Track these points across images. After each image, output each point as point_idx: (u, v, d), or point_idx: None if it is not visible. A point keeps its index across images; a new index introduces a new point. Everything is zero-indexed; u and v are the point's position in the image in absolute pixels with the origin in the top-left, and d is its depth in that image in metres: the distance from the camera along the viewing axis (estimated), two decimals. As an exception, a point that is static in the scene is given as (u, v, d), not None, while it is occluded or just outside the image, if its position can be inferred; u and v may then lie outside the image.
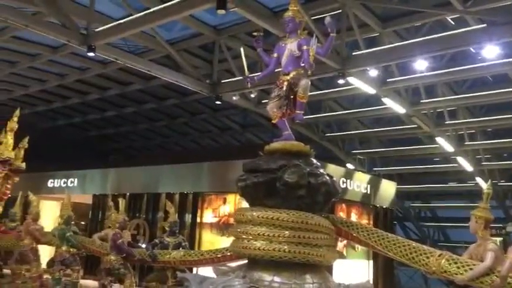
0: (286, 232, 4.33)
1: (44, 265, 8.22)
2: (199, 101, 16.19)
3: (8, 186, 9.34)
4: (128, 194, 14.03)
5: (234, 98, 13.10)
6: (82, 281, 7.71)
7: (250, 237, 4.46)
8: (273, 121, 5.09)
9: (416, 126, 14.84)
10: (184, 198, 13.21)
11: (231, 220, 12.31)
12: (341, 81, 10.92)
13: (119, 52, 11.33)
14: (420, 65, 11.35)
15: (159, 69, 12.08)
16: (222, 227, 12.62)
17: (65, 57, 13.15)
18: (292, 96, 4.97)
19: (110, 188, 14.79)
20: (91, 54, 10.35)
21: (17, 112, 9.24)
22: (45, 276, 7.95)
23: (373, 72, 11.56)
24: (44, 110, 18.25)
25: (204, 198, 13.25)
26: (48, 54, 12.90)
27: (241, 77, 11.94)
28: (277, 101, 4.98)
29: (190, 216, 13.05)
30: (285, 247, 4.29)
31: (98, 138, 21.61)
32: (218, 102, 13.31)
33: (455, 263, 4.17)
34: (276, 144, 4.88)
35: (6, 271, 8.71)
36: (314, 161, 4.86)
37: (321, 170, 4.74)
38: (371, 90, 12.08)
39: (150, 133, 21.13)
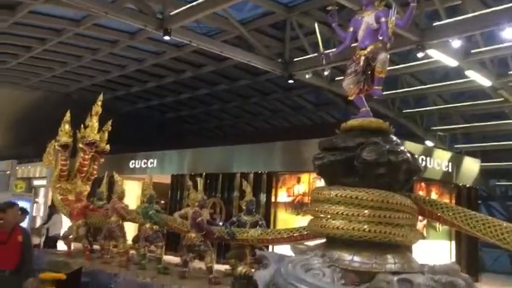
0: (366, 211, 4.22)
1: (129, 241, 8.65)
2: (271, 81, 16.17)
3: (95, 167, 9.92)
4: (204, 173, 14.42)
5: (307, 76, 12.92)
6: (165, 257, 8.01)
7: (329, 216, 4.40)
8: (349, 98, 4.95)
9: (502, 99, 13.88)
10: (258, 178, 13.33)
11: (306, 199, 12.29)
12: (419, 55, 10.41)
13: (193, 35, 11.54)
14: (508, 33, 10.51)
15: (231, 50, 12.18)
16: (297, 206, 12.62)
17: (142, 43, 13.62)
18: (369, 72, 4.79)
19: (187, 168, 15.25)
20: (167, 37, 10.62)
21: (100, 97, 9.71)
22: (131, 251, 8.36)
23: (456, 43, 10.87)
24: (124, 94, 19.11)
25: (278, 177, 13.29)
26: (126, 40, 13.44)
27: (314, 55, 11.75)
28: (353, 77, 4.83)
29: (265, 195, 13.17)
30: (365, 226, 4.19)
31: (174, 120, 22.34)
32: (290, 81, 13.21)
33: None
34: (353, 122, 4.75)
35: (96, 247, 9.27)
36: (394, 138, 4.68)
37: (402, 148, 4.55)
38: (452, 62, 11.41)
39: (222, 114, 21.49)
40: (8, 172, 23.17)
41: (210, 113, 21.38)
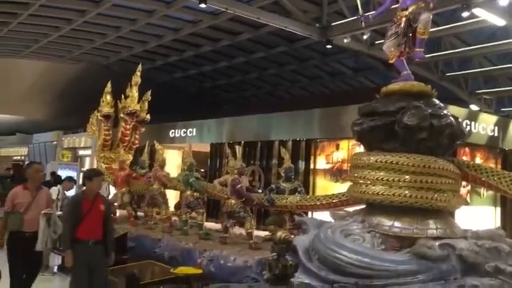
0: (407, 176, 4.16)
1: (171, 208, 8.89)
2: (308, 47, 15.88)
3: (136, 136, 10.16)
4: (242, 142, 14.52)
5: (345, 40, 12.61)
6: (205, 223, 8.20)
7: (368, 182, 4.37)
8: (390, 61, 4.82)
9: (554, 60, 13.17)
10: (297, 145, 13.30)
11: (345, 166, 12.21)
12: (464, 14, 9.95)
13: (229, 1, 11.42)
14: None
15: (268, 16, 12.00)
16: (336, 173, 12.57)
17: (178, 11, 13.60)
18: (411, 34, 4.64)
19: (226, 137, 15.38)
20: (203, 5, 10.56)
21: (139, 67, 9.83)
22: (173, 218, 8.60)
23: (503, 1, 10.28)
24: (162, 64, 19.27)
25: (317, 144, 13.22)
26: (163, 10, 13.45)
27: (353, 18, 11.42)
28: (394, 39, 4.69)
29: (303, 163, 13.15)
30: (406, 192, 4.15)
31: (212, 89, 22.43)
32: (329, 46, 12.94)
33: None
34: (393, 86, 4.63)
35: (140, 213, 9.59)
36: (436, 101, 4.55)
37: (445, 111, 4.42)
38: (500, 22, 10.84)
39: (260, 82, 21.38)
40: (55, 142, 24.12)
41: (247, 81, 21.30)
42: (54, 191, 9.10)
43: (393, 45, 4.69)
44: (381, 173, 4.26)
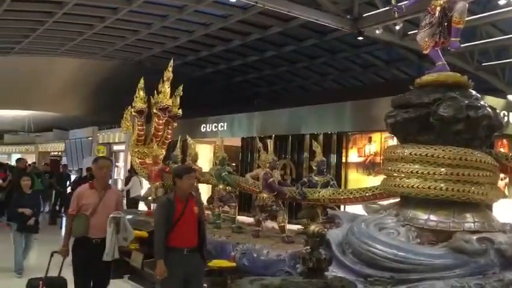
0: (443, 169, 4.10)
1: (204, 202, 8.97)
2: (339, 39, 15.71)
3: (169, 131, 10.26)
4: (273, 136, 14.53)
5: (377, 32, 12.41)
6: (238, 217, 8.24)
7: (403, 175, 4.32)
8: (424, 52, 4.74)
9: None
10: (328, 139, 13.22)
11: (377, 159, 12.06)
12: (501, 2, 9.64)
13: (258, -5, 11.40)
14: None
15: (299, 9, 11.92)
16: (368, 166, 12.44)
17: (209, 7, 13.68)
18: (446, 23, 4.54)
19: (257, 131, 15.42)
20: (233, 0, 10.56)
21: (171, 62, 9.93)
22: (206, 211, 8.68)
23: (542, -13, 9.95)
24: (193, 60, 19.43)
25: (348, 137, 13.11)
26: (193, 5, 13.55)
27: (385, 9, 11.23)
28: (429, 29, 4.61)
29: (335, 156, 13.07)
30: (442, 185, 4.08)
31: (242, 83, 22.48)
32: (360, 38, 12.76)
33: None
34: (428, 77, 4.55)
35: (173, 207, 9.69)
36: (473, 92, 4.45)
37: (482, 102, 4.32)
38: (539, 8, 10.47)
39: (290, 75, 21.29)
40: (91, 138, 24.71)
41: (278, 75, 21.25)
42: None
43: (427, 36, 4.61)
44: (416, 166, 4.21)
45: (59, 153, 30.31)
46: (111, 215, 4.90)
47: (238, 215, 8.48)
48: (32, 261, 8.08)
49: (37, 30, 16.04)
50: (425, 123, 4.27)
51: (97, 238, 4.86)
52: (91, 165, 5.77)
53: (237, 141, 16.13)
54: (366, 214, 4.71)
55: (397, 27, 12.59)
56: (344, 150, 13.05)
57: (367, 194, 6.02)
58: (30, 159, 23.43)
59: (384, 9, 11.37)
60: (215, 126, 16.90)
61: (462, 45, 5.85)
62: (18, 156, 25.05)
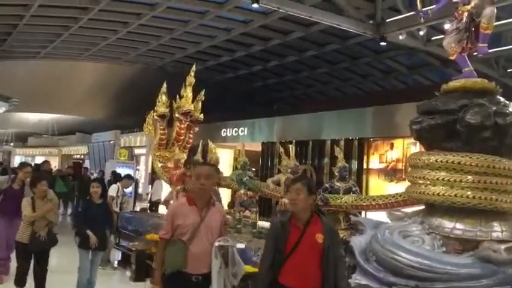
0: (470, 177, 4.02)
1: (225, 206, 8.99)
2: (360, 44, 15.61)
3: (190, 135, 10.32)
4: (294, 141, 14.49)
5: (400, 37, 12.29)
6: (258, 222, 8.23)
7: (428, 182, 4.26)
8: (450, 57, 4.68)
9: None
10: (349, 144, 13.13)
11: (399, 166, 11.92)
12: (528, 7, 9.45)
13: (281, 0, 11.41)
14: None
15: (320, 14, 11.90)
16: (390, 173, 12.31)
17: (230, 12, 13.76)
18: (473, 28, 4.48)
19: (277, 136, 15.42)
20: (255, 5, 10.60)
21: (193, 67, 10.01)
22: (227, 216, 8.69)
23: None
24: (214, 65, 19.55)
25: (370, 143, 13.00)
26: (215, 10, 13.65)
27: (408, 14, 11.12)
28: (455, 34, 4.55)
29: (356, 162, 12.97)
30: (468, 193, 4.01)
31: (262, 88, 22.51)
32: (383, 43, 12.67)
33: None
34: (455, 83, 4.49)
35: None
36: (501, 99, 4.37)
37: (510, 109, 4.24)
38: None
39: (311, 81, 21.23)
40: (113, 141, 25.03)
41: (298, 80, 21.22)
42: (113, 188, 9.45)
43: (454, 41, 4.55)
44: (442, 173, 4.14)
45: (82, 156, 30.77)
46: (217, 243, 3.66)
47: (259, 219, 8.48)
48: (54, 260, 6.79)
49: (62, 35, 16.36)
50: (451, 130, 4.21)
51: (197, 274, 3.60)
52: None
53: (257, 146, 16.13)
54: (389, 221, 4.65)
55: (421, 33, 12.45)
56: (365, 156, 12.94)
57: (390, 201, 5.95)
58: (54, 162, 23.84)
59: (407, 14, 11.26)
60: (235, 131, 16.94)
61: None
62: (42, 158, 25.51)
